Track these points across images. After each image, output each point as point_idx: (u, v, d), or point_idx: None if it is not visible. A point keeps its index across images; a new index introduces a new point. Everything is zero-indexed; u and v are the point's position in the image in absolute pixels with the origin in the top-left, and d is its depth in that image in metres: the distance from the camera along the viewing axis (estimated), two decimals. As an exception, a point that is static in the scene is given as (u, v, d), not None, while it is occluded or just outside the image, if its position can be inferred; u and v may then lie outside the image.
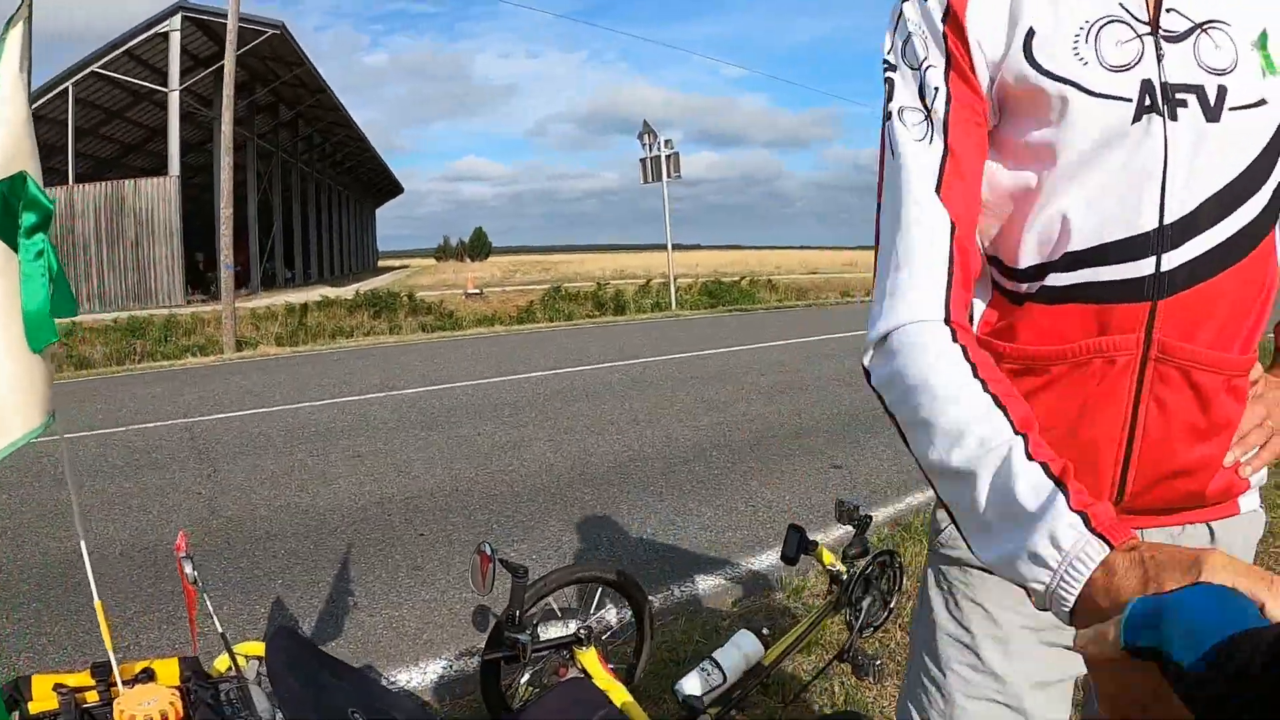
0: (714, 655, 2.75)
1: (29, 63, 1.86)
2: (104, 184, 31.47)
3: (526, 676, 3.16)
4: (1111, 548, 0.86)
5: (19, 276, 1.75)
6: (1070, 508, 0.90)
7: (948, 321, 1.15)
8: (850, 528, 3.17)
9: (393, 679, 3.93)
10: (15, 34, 1.82)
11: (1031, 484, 0.94)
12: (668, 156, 25.68)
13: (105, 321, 22.03)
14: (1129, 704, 0.75)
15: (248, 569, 5.24)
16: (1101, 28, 1.20)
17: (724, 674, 2.69)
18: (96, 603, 2.17)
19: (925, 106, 1.24)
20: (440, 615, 4.57)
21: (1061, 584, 0.87)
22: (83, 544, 2.17)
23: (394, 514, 6.25)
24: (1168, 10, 1.19)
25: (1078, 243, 1.23)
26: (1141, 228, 1.19)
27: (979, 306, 1.37)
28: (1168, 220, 1.19)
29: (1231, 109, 1.18)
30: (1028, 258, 1.28)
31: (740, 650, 2.76)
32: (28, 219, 1.75)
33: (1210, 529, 1.39)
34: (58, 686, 2.07)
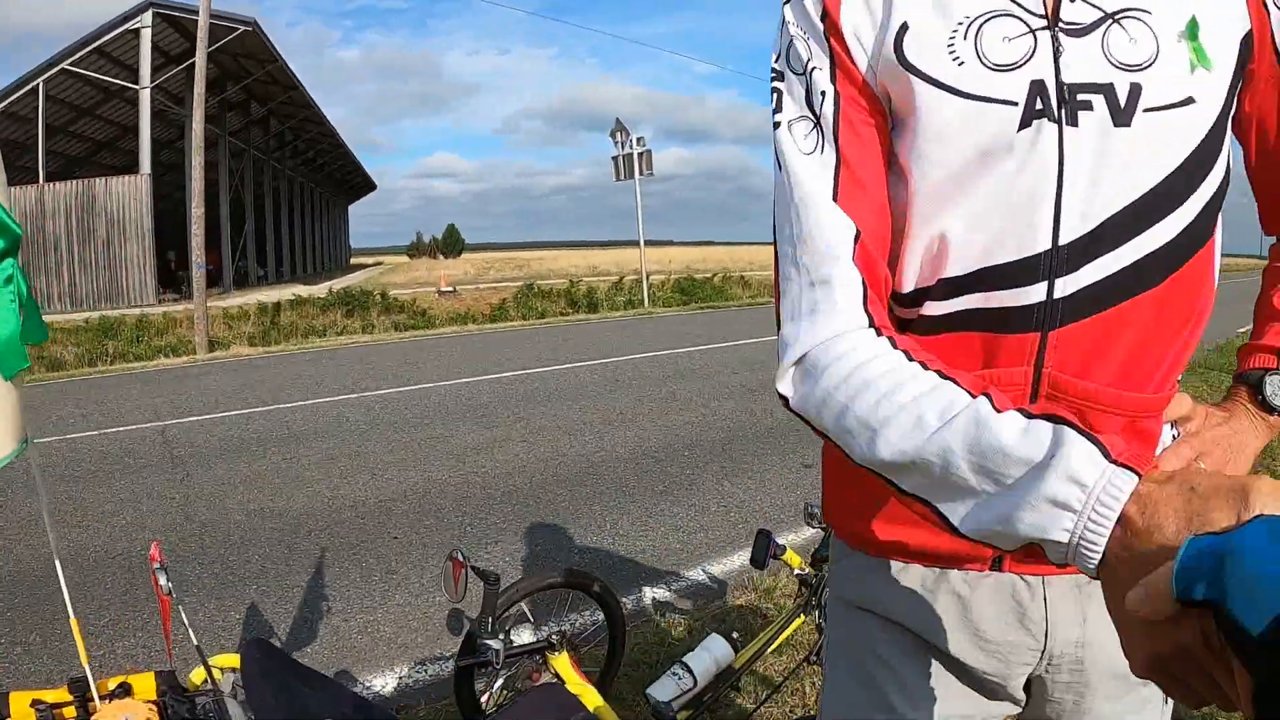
0: (685, 659, 2.79)
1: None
2: (75, 182, 31.21)
3: (500, 682, 3.19)
4: (1139, 477, 0.75)
5: None
6: (1083, 438, 0.79)
7: (872, 326, 1.05)
8: (819, 530, 3.21)
9: (368, 684, 3.96)
10: None
11: (1020, 429, 0.84)
12: (640, 154, 25.69)
13: (76, 322, 21.89)
14: (1179, 664, 0.65)
15: (222, 574, 5.25)
16: (985, 22, 1.06)
17: (694, 678, 2.73)
18: (72, 620, 2.19)
19: (814, 113, 1.13)
20: (414, 619, 4.59)
21: (1089, 527, 0.76)
22: (57, 561, 2.20)
23: (367, 517, 6.27)
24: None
25: (957, 267, 1.10)
26: (1032, 249, 1.07)
27: None
28: (1063, 240, 1.06)
29: (1147, 110, 1.04)
30: (908, 282, 1.15)
31: (711, 654, 2.81)
32: None
33: None
34: (35, 703, 2.09)
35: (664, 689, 2.69)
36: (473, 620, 2.99)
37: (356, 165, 70.71)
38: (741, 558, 5.29)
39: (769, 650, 3.02)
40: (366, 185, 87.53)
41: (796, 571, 3.08)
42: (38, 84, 29.71)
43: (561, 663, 2.85)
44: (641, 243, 27.59)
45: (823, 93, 1.12)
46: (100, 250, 30.72)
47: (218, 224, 35.93)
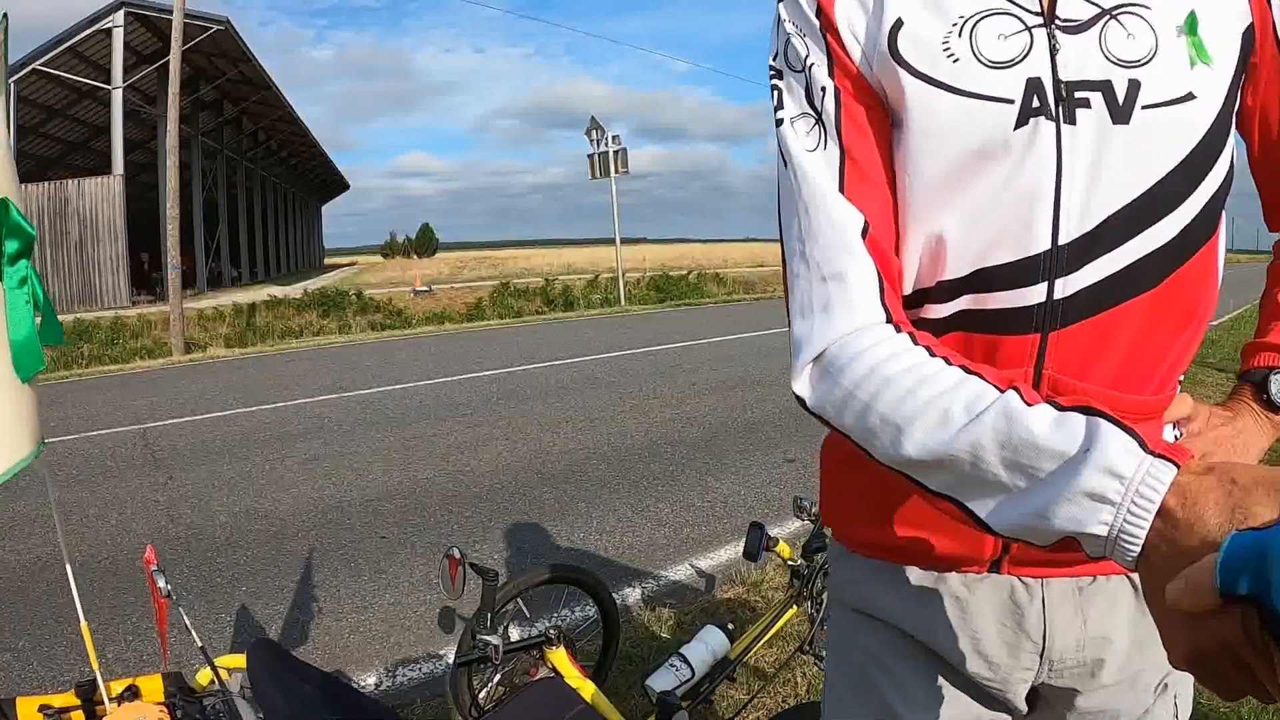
0: (681, 650, 2.83)
1: (6, 84, 1.87)
2: (47, 184, 30.92)
3: (497, 678, 3.23)
4: (1178, 468, 0.74)
5: (4, 305, 1.76)
6: (1119, 430, 0.78)
7: (889, 321, 1.03)
8: (808, 523, 3.26)
9: (361, 683, 3.98)
10: None
11: (1052, 421, 0.82)
12: (615, 152, 25.72)
13: (49, 325, 21.71)
14: (1220, 657, 0.64)
15: (210, 576, 5.25)
16: (981, 20, 1.05)
17: (692, 669, 2.76)
18: (83, 624, 2.20)
19: (815, 110, 1.11)
20: (406, 618, 4.62)
21: (1129, 520, 0.75)
22: (68, 567, 2.21)
23: (354, 517, 6.28)
24: None
25: (955, 269, 1.08)
26: (1031, 250, 1.05)
27: None
28: (1063, 240, 1.04)
29: (1146, 106, 1.02)
30: (908, 284, 1.13)
31: (707, 645, 2.84)
32: (10, 246, 1.76)
33: (1133, 582, 1.23)
34: (43, 708, 2.10)
35: (663, 680, 2.72)
36: (466, 619, 3.02)
37: (329, 165, 70.40)
38: (728, 552, 5.36)
39: (763, 640, 3.06)
40: (339, 185, 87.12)
41: (789, 562, 3.13)
42: (9, 84, 29.38)
43: (559, 657, 2.88)
44: (618, 241, 27.61)
45: (823, 89, 1.10)
46: (73, 252, 30.46)
47: (191, 225, 35.71)
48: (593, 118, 26.09)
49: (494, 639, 2.78)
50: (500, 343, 17.48)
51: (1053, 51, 1.03)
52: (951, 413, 0.90)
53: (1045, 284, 1.05)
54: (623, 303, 27.05)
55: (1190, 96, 1.03)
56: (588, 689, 2.76)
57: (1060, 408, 0.83)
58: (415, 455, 8.02)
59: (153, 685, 2.24)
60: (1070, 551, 0.82)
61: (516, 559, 5.40)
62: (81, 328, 21.16)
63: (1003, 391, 0.88)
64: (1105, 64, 1.02)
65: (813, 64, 1.11)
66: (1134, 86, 1.01)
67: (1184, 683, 1.29)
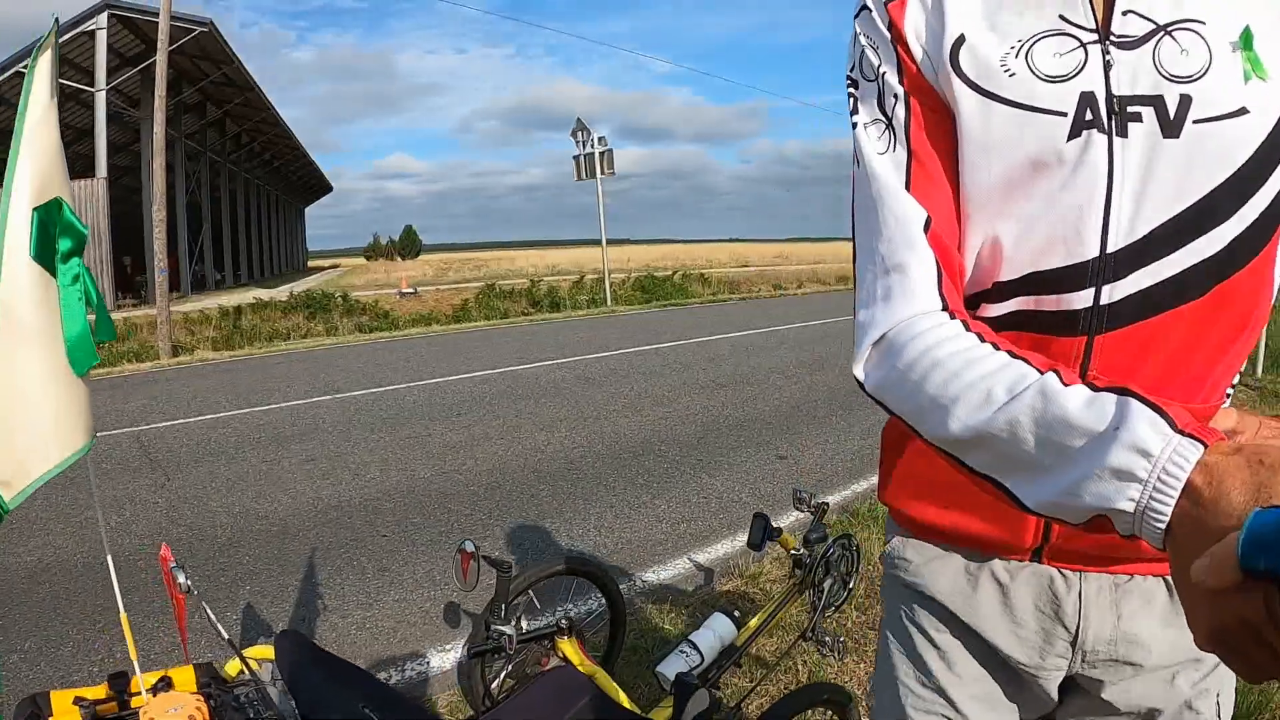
0: (690, 637, 2.89)
1: (57, 90, 1.95)
2: (29, 188, 30.68)
3: (509, 668, 3.29)
4: (1205, 447, 0.75)
5: (59, 303, 1.84)
6: (1149, 409, 0.80)
7: (945, 309, 1.07)
8: (807, 514, 3.33)
9: (371, 678, 4.04)
10: (44, 60, 1.90)
11: (1085, 400, 0.85)
12: (601, 153, 25.74)
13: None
14: (1241, 635, 0.65)
15: (214, 576, 5.30)
16: (1038, 41, 1.09)
17: (701, 655, 2.83)
18: (122, 615, 2.25)
19: (886, 115, 1.17)
20: (412, 614, 4.68)
21: (1155, 497, 0.76)
22: (109, 558, 2.25)
23: (354, 516, 6.33)
24: (1124, 13, 1.07)
25: (1009, 271, 1.13)
26: (1080, 256, 1.08)
27: None
28: (1111, 249, 1.07)
29: (1197, 121, 1.03)
30: (965, 286, 1.17)
31: (715, 632, 2.91)
32: (63, 244, 1.84)
33: (1168, 584, 1.26)
34: (78, 700, 2.14)
35: (674, 665, 2.79)
36: (472, 614, 3.08)
37: (312, 167, 70.12)
38: (725, 546, 5.45)
39: (769, 626, 3.14)
40: (323, 187, 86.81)
41: (792, 552, 3.20)
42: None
43: (570, 646, 2.95)
44: (604, 241, 27.62)
45: (894, 96, 1.16)
46: (56, 256, 30.22)
47: (175, 227, 35.54)
48: (579, 119, 26.10)
49: (508, 629, 2.85)
50: (489, 344, 17.51)
51: (1106, 67, 1.06)
52: (994, 393, 0.93)
53: (1093, 290, 1.09)
54: (609, 303, 27.07)
55: (1243, 111, 1.04)
56: (601, 676, 2.84)
57: (1095, 388, 0.85)
58: (411, 455, 8.07)
59: (185, 676, 2.28)
60: (1104, 533, 0.85)
61: (518, 555, 5.46)
62: (67, 332, 21.02)
63: (1043, 373, 0.91)
64: (1157, 79, 1.04)
65: (884, 73, 1.17)
66: (1185, 101, 1.04)
67: (1226, 684, 1.33)
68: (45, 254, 1.82)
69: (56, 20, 1.94)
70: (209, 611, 2.40)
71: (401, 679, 4.04)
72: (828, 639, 3.17)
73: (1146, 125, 1.05)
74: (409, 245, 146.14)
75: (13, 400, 1.82)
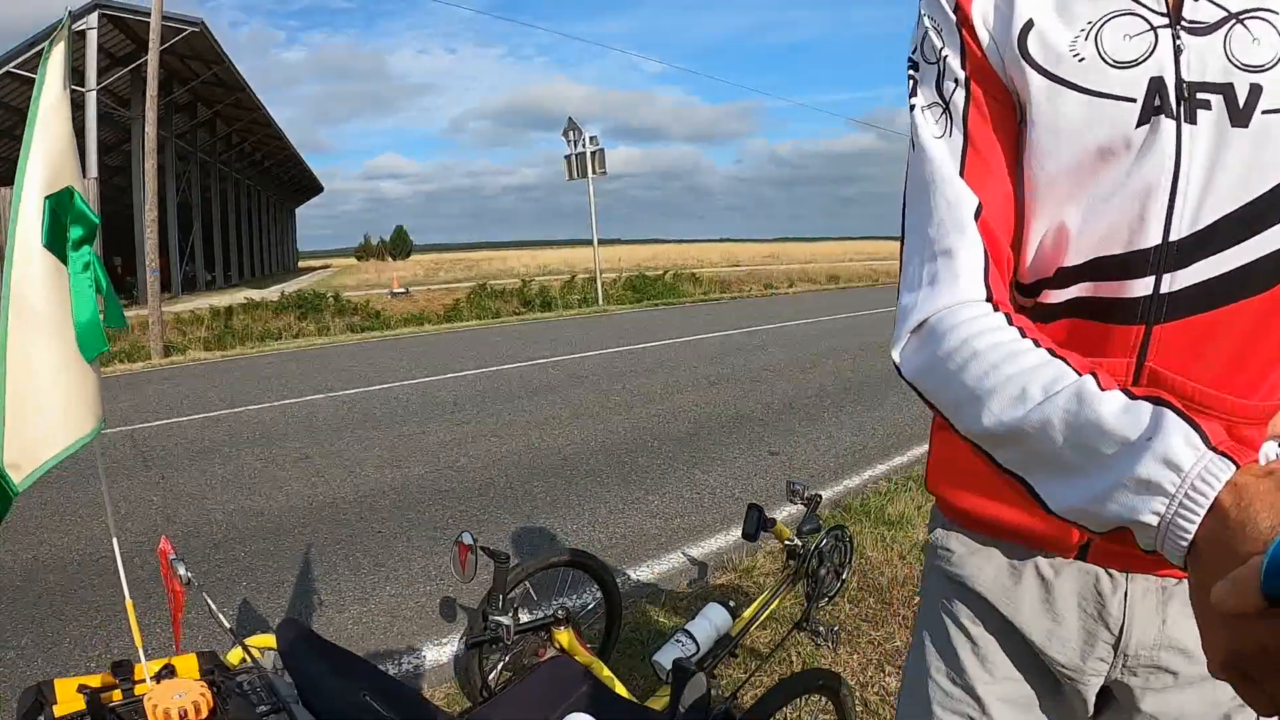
0: (686, 627, 2.92)
1: (69, 80, 1.98)
2: (21, 188, 30.58)
3: (506, 659, 3.33)
4: (1237, 467, 0.73)
5: (70, 290, 1.88)
6: (1183, 422, 0.78)
7: (989, 300, 1.06)
8: (800, 506, 3.37)
9: (368, 671, 4.07)
10: (57, 53, 1.93)
11: (1120, 406, 0.83)
12: (593, 153, 25.77)
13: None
14: (1258, 663, 0.62)
15: (210, 572, 5.31)
16: (1107, 21, 1.06)
17: (697, 644, 2.86)
18: (128, 602, 2.27)
19: (943, 100, 1.15)
20: (407, 609, 4.71)
21: (1181, 513, 0.74)
22: (115, 544, 2.28)
23: (349, 513, 6.36)
24: None
25: (1073, 257, 1.10)
26: (1142, 244, 1.06)
27: None
28: (1174, 237, 1.04)
29: (1266, 111, 1.00)
30: (1029, 273, 1.16)
31: (711, 621, 2.94)
32: (75, 232, 1.87)
33: None
34: (82, 688, 2.17)
35: (670, 654, 2.82)
36: (468, 608, 3.11)
37: (303, 167, 69.96)
38: (718, 540, 5.50)
39: (763, 616, 3.17)
40: (314, 187, 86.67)
41: (786, 543, 3.23)
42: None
43: (566, 637, 2.98)
44: (595, 241, 27.67)
45: (955, 80, 1.14)
46: (47, 257, 30.11)
47: (166, 228, 35.47)
48: (570, 119, 26.15)
49: (506, 620, 2.88)
50: (481, 343, 17.54)
51: (1177, 52, 1.03)
52: (1029, 390, 0.92)
53: (1153, 278, 1.06)
54: (600, 303, 27.11)
55: None
56: (598, 666, 2.87)
57: (1132, 396, 0.84)
58: (405, 453, 8.10)
59: (188, 664, 2.30)
60: (1125, 545, 0.84)
61: (513, 550, 5.49)
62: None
63: (1081, 375, 0.90)
64: (1227, 67, 1.02)
65: (946, 56, 1.15)
66: (1255, 91, 1.01)
67: None
68: (57, 242, 1.85)
69: (69, 12, 1.98)
70: (209, 601, 2.41)
71: (398, 672, 4.08)
72: (821, 629, 3.21)
73: (1215, 113, 1.02)
74: (400, 245, 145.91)
75: (25, 386, 1.85)
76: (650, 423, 8.99)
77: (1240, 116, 1.01)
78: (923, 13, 1.20)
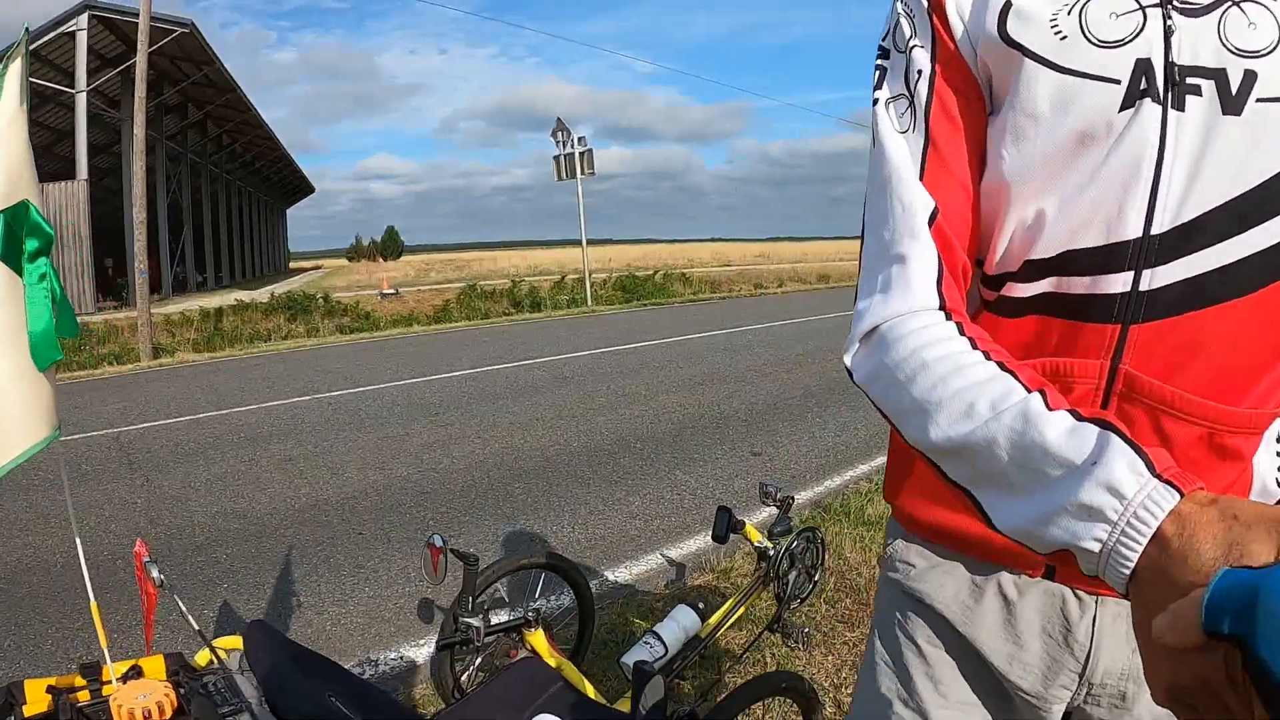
0: (655, 629, 2.95)
1: (28, 96, 2.00)
2: (9, 190, 30.44)
3: (479, 660, 3.35)
4: (1181, 495, 0.72)
5: (24, 300, 1.90)
6: (1128, 448, 0.77)
7: (942, 308, 1.03)
8: (774, 508, 3.39)
9: (344, 672, 4.09)
10: (14, 68, 1.96)
11: (1066, 429, 0.81)
12: (581, 154, 25.79)
13: (13, 333, 21.46)
14: (1199, 695, 0.62)
15: (191, 574, 5.32)
16: None
17: (665, 646, 2.89)
18: (93, 604, 2.29)
19: (909, 92, 1.10)
20: (386, 610, 4.73)
21: (1122, 541, 0.73)
22: (79, 547, 2.29)
23: (331, 515, 6.37)
24: None
25: (1044, 250, 1.05)
26: (1120, 236, 1.00)
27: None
28: (1156, 230, 0.98)
29: (1261, 100, 0.95)
30: (996, 263, 1.11)
31: (679, 623, 2.97)
32: (30, 244, 1.90)
33: None
34: (50, 688, 2.19)
35: (637, 655, 2.84)
36: (445, 610, 3.12)
37: (294, 168, 69.82)
38: (697, 542, 5.51)
39: (732, 619, 3.19)
40: (304, 188, 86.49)
41: (756, 545, 3.26)
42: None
43: (538, 639, 3.00)
44: (584, 241, 27.67)
45: (919, 71, 1.10)
46: (37, 259, 29.99)
47: (156, 229, 35.36)
48: (559, 119, 26.15)
49: (475, 621, 2.90)
50: (468, 344, 17.54)
51: (1167, 33, 0.98)
52: (977, 407, 0.90)
53: (1131, 273, 1.00)
54: (589, 303, 27.13)
55: None
56: (568, 668, 2.89)
57: (1080, 417, 0.83)
58: (389, 454, 8.10)
59: (155, 665, 2.32)
60: (1069, 566, 0.82)
61: (493, 552, 5.50)
62: (47, 334, 20.93)
63: (1030, 392, 0.88)
64: (1221, 51, 0.96)
65: (915, 45, 1.11)
66: (1250, 77, 0.95)
67: None
68: (11, 254, 1.87)
69: (27, 29, 2.00)
70: (180, 603, 2.43)
71: (375, 673, 4.08)
72: (792, 631, 3.23)
73: (1206, 100, 0.96)
74: (391, 246, 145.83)
75: None
76: (634, 423, 9.02)
77: (1233, 104, 0.96)
78: None
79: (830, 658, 3.94)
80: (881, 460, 7.23)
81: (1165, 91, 0.97)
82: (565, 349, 15.62)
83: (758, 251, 76.01)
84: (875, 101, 1.14)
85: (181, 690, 2.16)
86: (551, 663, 2.86)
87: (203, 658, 2.50)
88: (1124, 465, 0.75)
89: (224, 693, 2.23)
